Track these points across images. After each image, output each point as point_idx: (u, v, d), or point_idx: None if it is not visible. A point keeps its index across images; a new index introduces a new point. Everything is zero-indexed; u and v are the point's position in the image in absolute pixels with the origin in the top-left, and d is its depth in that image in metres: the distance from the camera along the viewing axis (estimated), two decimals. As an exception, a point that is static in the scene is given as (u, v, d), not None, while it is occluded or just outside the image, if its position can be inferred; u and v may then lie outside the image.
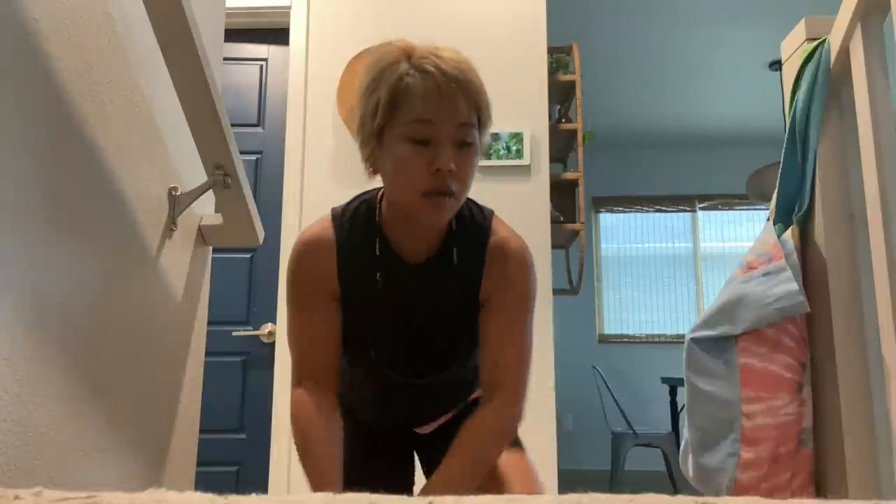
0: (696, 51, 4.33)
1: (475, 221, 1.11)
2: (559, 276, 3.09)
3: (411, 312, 1.12)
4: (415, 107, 0.96)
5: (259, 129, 2.79)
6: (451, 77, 0.96)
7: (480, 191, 1.19)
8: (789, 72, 1.59)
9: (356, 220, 1.10)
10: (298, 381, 1.10)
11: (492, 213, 1.14)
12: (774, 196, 1.56)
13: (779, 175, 1.55)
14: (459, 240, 1.08)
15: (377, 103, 0.98)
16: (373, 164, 1.04)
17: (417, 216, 1.00)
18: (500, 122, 2.61)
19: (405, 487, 1.35)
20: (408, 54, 0.99)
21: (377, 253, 1.09)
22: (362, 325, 1.12)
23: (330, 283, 1.09)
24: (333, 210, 1.13)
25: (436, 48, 1.00)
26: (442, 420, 1.28)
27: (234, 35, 2.68)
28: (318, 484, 1.03)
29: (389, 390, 1.19)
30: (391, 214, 1.08)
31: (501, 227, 1.13)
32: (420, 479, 1.35)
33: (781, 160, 1.56)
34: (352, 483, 1.22)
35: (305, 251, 1.09)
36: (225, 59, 2.21)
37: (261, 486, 2.43)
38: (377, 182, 1.11)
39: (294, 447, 1.10)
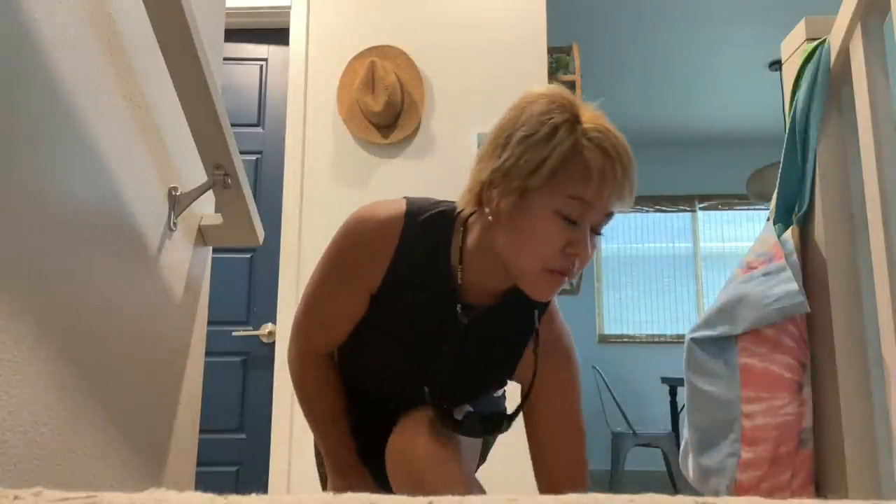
0: (696, 51, 4.33)
1: None
2: (559, 276, 3.09)
3: (442, 353, 1.02)
4: (585, 186, 0.85)
5: (259, 129, 2.79)
6: (625, 166, 0.87)
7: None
8: (789, 72, 1.59)
9: (428, 232, 0.98)
10: (303, 343, 1.05)
11: None
12: (774, 196, 1.56)
13: (779, 175, 1.55)
14: (525, 301, 0.98)
15: (541, 162, 0.86)
16: (495, 209, 0.91)
17: (527, 287, 0.91)
18: (500, 122, 2.61)
19: None
20: (575, 115, 0.90)
21: (433, 278, 0.98)
22: (378, 340, 1.04)
23: (371, 280, 0.99)
24: (410, 203, 0.99)
25: (598, 115, 0.92)
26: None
27: (234, 35, 2.68)
28: (325, 424, 1.07)
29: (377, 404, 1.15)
30: (477, 251, 0.96)
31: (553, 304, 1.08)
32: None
33: (781, 160, 1.55)
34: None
35: (361, 240, 0.97)
36: (225, 59, 2.21)
37: (261, 486, 2.42)
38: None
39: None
